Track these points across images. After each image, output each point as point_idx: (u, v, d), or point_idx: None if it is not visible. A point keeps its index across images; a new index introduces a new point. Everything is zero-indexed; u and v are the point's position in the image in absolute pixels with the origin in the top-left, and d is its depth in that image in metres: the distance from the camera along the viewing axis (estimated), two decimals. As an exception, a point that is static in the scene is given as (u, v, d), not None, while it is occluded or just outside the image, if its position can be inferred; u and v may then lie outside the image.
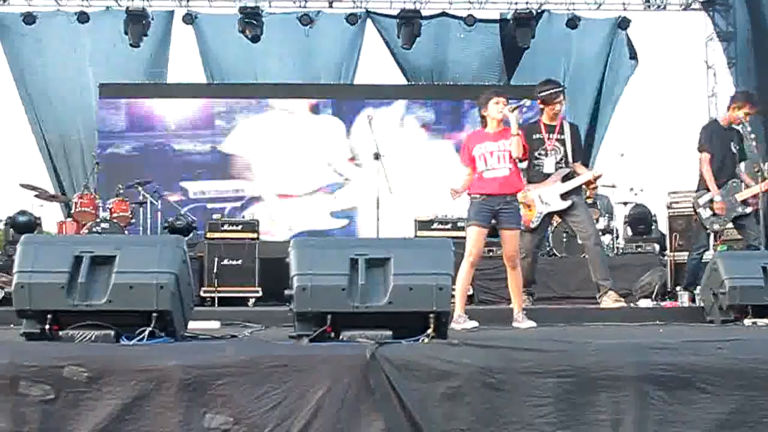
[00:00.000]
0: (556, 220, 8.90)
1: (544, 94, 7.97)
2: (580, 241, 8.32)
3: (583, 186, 8.14)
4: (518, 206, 6.85)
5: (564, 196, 7.92)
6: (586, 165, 8.44)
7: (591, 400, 4.16)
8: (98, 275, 4.40)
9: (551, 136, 7.94)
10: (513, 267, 6.73)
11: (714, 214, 8.30)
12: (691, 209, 10.50)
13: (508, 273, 6.80)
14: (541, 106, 8.05)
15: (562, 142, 7.95)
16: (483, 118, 6.87)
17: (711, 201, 8.28)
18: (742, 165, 8.60)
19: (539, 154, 7.96)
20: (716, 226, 8.38)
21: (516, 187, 6.79)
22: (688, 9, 14.70)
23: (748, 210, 8.27)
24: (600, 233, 9.67)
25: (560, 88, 8.07)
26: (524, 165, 7.77)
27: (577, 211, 7.94)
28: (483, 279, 10.86)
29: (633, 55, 14.65)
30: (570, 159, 7.95)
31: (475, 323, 6.40)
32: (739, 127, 8.36)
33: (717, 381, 4.22)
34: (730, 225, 8.59)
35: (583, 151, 8.13)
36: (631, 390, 4.16)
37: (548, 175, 7.97)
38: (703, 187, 8.40)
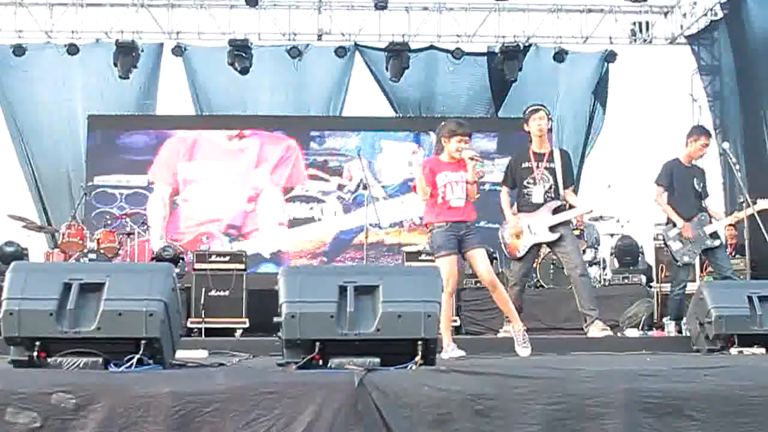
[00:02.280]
0: (544, 251, 8.92)
1: (525, 114, 8.03)
2: (566, 272, 8.32)
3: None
4: (477, 231, 6.83)
5: (552, 229, 7.93)
6: (576, 192, 8.43)
7: (581, 428, 4.16)
8: (87, 302, 4.40)
9: (540, 164, 7.93)
10: (494, 288, 6.70)
11: (683, 246, 8.36)
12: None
13: (493, 296, 6.79)
14: (527, 130, 8.03)
15: (551, 171, 7.92)
16: (441, 146, 6.85)
17: (680, 233, 8.38)
18: (707, 201, 8.70)
19: (527, 183, 7.97)
20: (686, 258, 8.44)
21: (474, 216, 6.80)
22: (673, 43, 14.85)
23: (717, 243, 8.36)
24: (587, 264, 9.68)
25: (537, 106, 8.04)
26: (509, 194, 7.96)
27: (565, 242, 7.95)
28: (469, 310, 10.89)
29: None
30: (561, 187, 7.95)
31: (462, 352, 6.40)
32: (701, 165, 8.52)
33: (706, 408, 4.24)
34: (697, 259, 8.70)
35: (574, 178, 8.11)
36: (621, 417, 4.17)
37: (537, 205, 7.95)
38: (669, 221, 8.52)
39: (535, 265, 8.96)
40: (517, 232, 7.94)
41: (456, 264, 6.78)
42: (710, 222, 8.41)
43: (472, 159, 6.64)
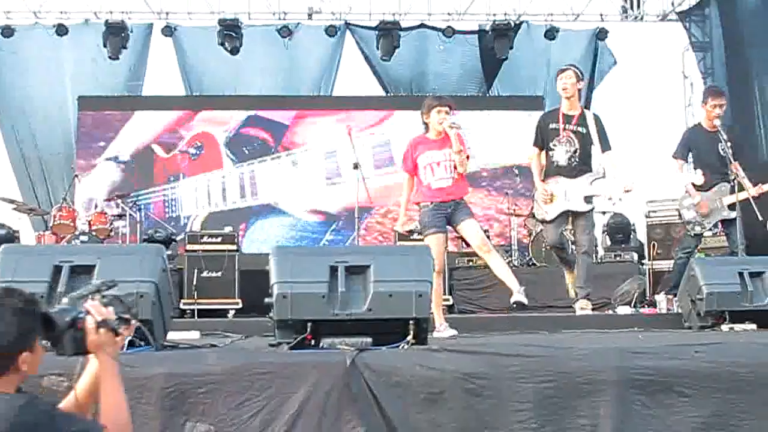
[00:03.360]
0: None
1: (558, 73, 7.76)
2: (574, 247, 8.18)
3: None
4: (467, 205, 6.82)
5: (587, 199, 7.67)
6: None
7: (572, 405, 4.19)
8: (78, 285, 4.37)
9: (567, 126, 7.61)
10: (488, 253, 6.68)
11: (696, 215, 8.29)
12: (669, 218, 10.65)
13: (488, 263, 6.74)
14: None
15: (579, 135, 7.61)
16: (426, 124, 6.87)
17: (694, 203, 8.28)
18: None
19: (553, 145, 7.67)
20: (698, 228, 8.35)
21: (463, 193, 6.79)
22: (665, 20, 14.80)
23: (733, 215, 8.20)
24: (594, 244, 9.52)
25: (565, 66, 7.81)
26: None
27: (585, 218, 7.79)
28: (462, 289, 10.91)
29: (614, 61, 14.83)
30: (599, 151, 7.64)
31: (454, 331, 6.40)
32: (721, 131, 8.29)
33: (696, 385, 4.26)
34: (708, 233, 8.60)
35: (610, 143, 7.65)
36: (612, 395, 4.20)
37: (563, 168, 7.65)
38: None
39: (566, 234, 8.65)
40: (549, 198, 7.66)
41: (444, 242, 6.78)
42: (730, 192, 8.23)
43: (451, 127, 6.62)
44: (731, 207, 8.16)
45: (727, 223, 8.31)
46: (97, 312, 2.91)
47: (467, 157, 6.72)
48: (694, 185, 8.26)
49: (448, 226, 6.79)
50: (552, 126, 7.68)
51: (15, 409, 2.67)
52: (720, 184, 8.24)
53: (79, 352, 2.91)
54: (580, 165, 7.67)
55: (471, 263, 10.86)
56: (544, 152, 7.81)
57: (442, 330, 6.38)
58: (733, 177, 8.13)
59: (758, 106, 12.77)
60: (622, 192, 7.65)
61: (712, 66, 14.03)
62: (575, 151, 7.61)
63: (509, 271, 6.75)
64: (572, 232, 8.20)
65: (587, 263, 7.88)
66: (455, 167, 6.67)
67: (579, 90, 7.72)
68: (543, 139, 7.76)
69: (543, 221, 7.92)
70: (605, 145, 7.65)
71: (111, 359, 2.97)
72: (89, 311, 2.91)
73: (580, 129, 7.62)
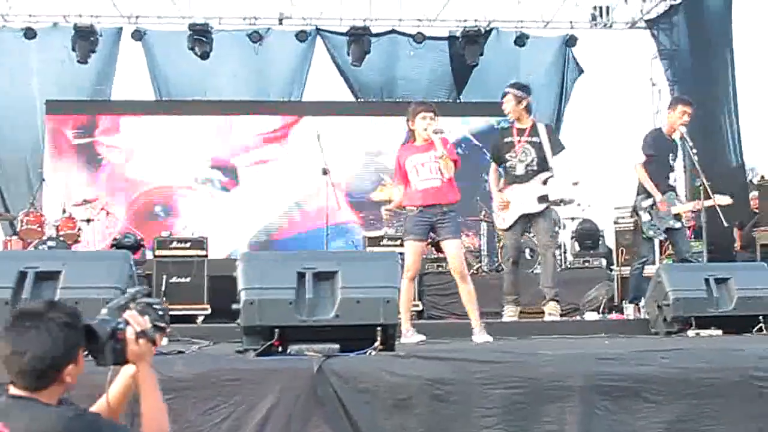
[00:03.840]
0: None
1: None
2: (538, 248, 8.45)
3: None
4: (455, 217, 6.75)
5: (541, 199, 7.90)
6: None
7: (539, 411, 4.21)
8: (43, 291, 4.37)
9: (522, 138, 7.98)
10: (462, 279, 6.59)
11: (652, 219, 8.36)
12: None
13: (459, 289, 6.66)
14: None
15: (534, 144, 7.95)
16: (412, 131, 6.88)
17: (653, 206, 8.35)
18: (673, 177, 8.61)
19: (509, 156, 8.02)
20: (651, 233, 8.43)
21: (451, 199, 6.68)
22: (633, 27, 14.92)
23: (678, 225, 8.34)
24: (557, 242, 9.71)
25: (508, 89, 8.13)
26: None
27: (543, 218, 7.98)
28: (432, 294, 10.91)
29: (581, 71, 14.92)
30: (549, 158, 7.95)
31: (422, 337, 6.37)
32: (679, 142, 8.46)
33: (661, 390, 4.30)
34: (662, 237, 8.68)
35: (562, 146, 8.11)
36: (579, 400, 4.22)
37: (521, 177, 7.96)
38: (643, 191, 8.45)
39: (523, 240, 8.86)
40: (504, 205, 8.01)
41: (420, 251, 6.75)
42: (677, 203, 8.36)
43: (435, 132, 6.61)
44: (677, 217, 8.30)
45: (671, 233, 8.41)
46: (135, 322, 2.94)
47: (455, 162, 6.67)
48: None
49: (433, 234, 6.76)
50: (507, 140, 8.07)
51: (65, 421, 2.72)
52: (669, 192, 8.36)
53: (119, 362, 2.96)
54: (537, 173, 7.95)
55: (441, 269, 10.85)
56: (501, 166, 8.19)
57: (409, 336, 6.36)
58: (699, 183, 8.23)
59: (726, 113, 12.89)
60: (572, 185, 8.12)
61: (680, 73, 14.14)
62: (532, 160, 7.93)
63: (475, 306, 6.62)
64: (534, 236, 8.48)
65: (553, 262, 8.11)
66: (440, 170, 6.63)
67: (525, 106, 8.03)
68: (499, 154, 8.15)
69: (502, 230, 8.10)
70: (556, 150, 7.99)
71: (150, 368, 3.02)
72: (128, 321, 2.94)
73: (533, 139, 7.97)
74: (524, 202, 7.90)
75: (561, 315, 8.05)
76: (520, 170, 7.94)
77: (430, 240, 7.34)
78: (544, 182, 7.95)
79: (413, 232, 6.64)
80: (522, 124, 8.05)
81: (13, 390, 2.80)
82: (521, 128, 8.04)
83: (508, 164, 8.04)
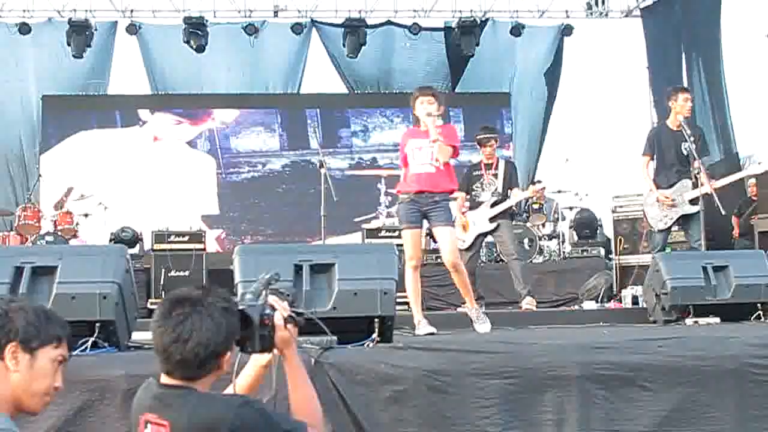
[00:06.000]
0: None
1: (478, 137, 9.40)
2: (503, 257, 9.74)
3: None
4: (447, 206, 6.66)
5: (492, 219, 8.98)
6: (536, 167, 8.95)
7: (536, 401, 4.21)
8: (40, 286, 4.36)
9: (488, 172, 9.21)
10: (455, 269, 6.47)
11: (659, 213, 8.34)
12: (636, 213, 10.76)
13: (453, 278, 6.57)
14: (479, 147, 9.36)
15: (497, 177, 9.17)
16: (416, 116, 6.81)
17: (656, 199, 8.33)
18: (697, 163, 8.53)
19: (476, 186, 9.20)
20: (661, 225, 8.40)
21: (445, 187, 6.57)
22: (629, 15, 14.92)
23: (694, 209, 8.24)
24: (520, 249, 10.41)
25: (490, 135, 9.37)
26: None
27: (501, 231, 9.02)
28: (430, 285, 10.88)
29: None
30: (500, 190, 9.09)
31: (433, 329, 6.25)
32: (685, 129, 8.38)
33: (658, 379, 4.31)
34: (675, 228, 8.65)
35: (517, 181, 9.42)
36: (576, 389, 4.22)
37: (480, 203, 9.12)
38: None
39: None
40: (463, 225, 9.07)
41: (418, 238, 6.65)
42: (692, 188, 8.29)
43: (429, 115, 6.52)
44: (693, 202, 8.22)
45: (686, 219, 8.36)
46: (281, 307, 2.85)
47: (455, 149, 6.59)
48: (657, 185, 8.36)
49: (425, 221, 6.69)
50: (476, 173, 9.34)
51: (234, 409, 2.62)
52: (682, 181, 8.31)
53: (266, 348, 2.84)
54: (499, 200, 9.11)
55: (438, 259, 10.84)
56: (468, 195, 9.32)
57: (422, 327, 6.22)
58: (696, 172, 8.19)
59: (715, 103, 12.85)
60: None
61: (671, 62, 14.10)
62: (495, 190, 9.14)
63: (471, 295, 6.61)
64: (498, 245, 9.80)
65: (520, 266, 9.02)
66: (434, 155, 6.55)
67: (494, 148, 9.33)
68: (467, 184, 9.26)
69: (462, 250, 8.56)
70: (513, 183, 9.28)
71: (297, 355, 2.92)
72: (273, 307, 2.84)
73: (497, 172, 9.24)
74: (477, 223, 9.09)
75: (559, 304, 8.21)
76: (485, 198, 9.11)
77: (428, 232, 7.33)
78: (492, 205, 9.03)
79: (406, 220, 6.56)
80: (490, 160, 9.28)
81: (165, 379, 2.71)
82: (488, 164, 9.28)
83: (473, 192, 9.22)
